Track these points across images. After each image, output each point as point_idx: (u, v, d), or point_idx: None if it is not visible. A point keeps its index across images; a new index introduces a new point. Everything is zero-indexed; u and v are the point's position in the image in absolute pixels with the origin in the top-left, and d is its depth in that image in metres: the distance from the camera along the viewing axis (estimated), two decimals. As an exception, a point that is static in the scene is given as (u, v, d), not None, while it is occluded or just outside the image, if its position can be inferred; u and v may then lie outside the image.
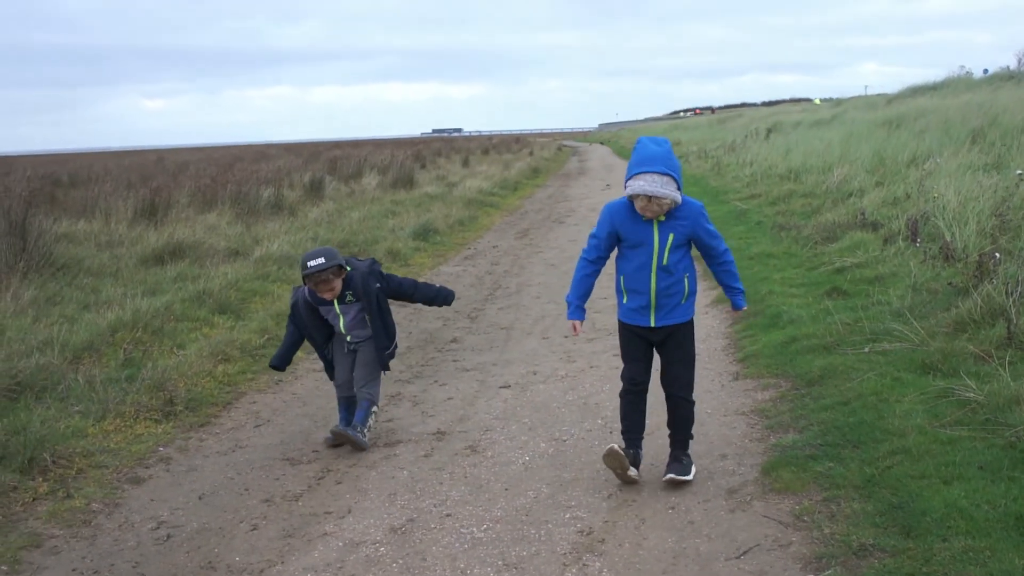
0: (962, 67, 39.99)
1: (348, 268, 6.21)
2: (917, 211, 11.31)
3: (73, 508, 5.32)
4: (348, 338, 6.37)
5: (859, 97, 56.94)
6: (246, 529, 5.06)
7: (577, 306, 5.37)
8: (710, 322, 9.23)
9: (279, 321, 9.34)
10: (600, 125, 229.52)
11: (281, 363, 6.59)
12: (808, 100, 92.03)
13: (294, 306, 6.40)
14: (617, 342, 5.61)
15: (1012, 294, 6.98)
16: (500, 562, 4.54)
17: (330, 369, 6.56)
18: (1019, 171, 11.24)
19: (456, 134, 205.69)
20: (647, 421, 5.52)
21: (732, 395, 6.92)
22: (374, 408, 6.35)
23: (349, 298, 6.21)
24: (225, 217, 16.30)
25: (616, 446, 5.25)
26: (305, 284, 6.18)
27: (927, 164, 14.97)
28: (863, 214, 12.49)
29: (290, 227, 15.52)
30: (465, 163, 37.95)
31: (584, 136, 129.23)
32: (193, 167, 31.52)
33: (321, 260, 5.99)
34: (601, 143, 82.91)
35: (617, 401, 5.60)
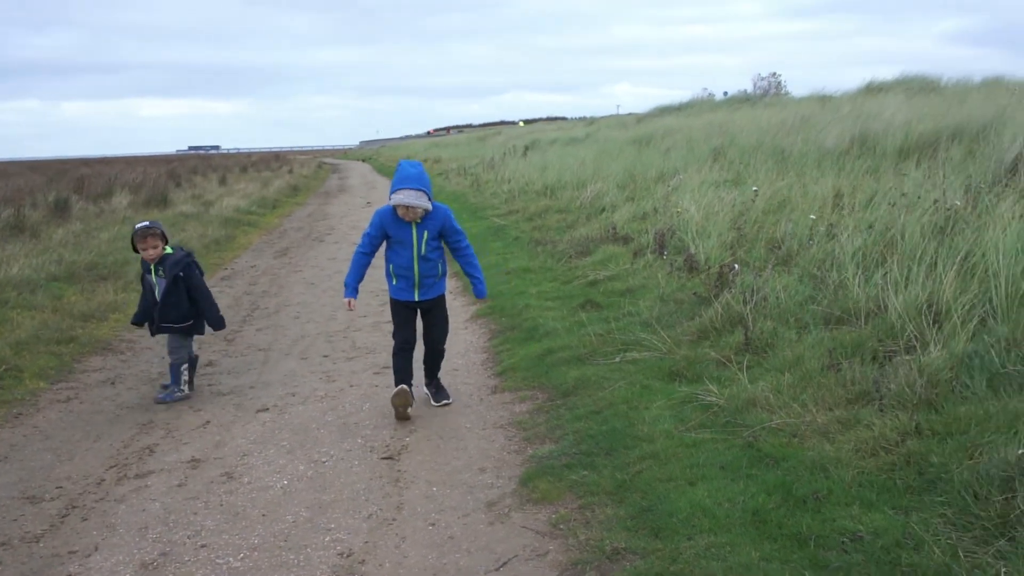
0: (705, 89, 42.23)
1: (169, 248, 7.73)
2: (664, 225, 11.84)
3: None
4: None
5: (611, 116, 59.09)
6: (-22, 575, 4.71)
7: (353, 287, 6.98)
8: (469, 337, 9.34)
9: (18, 351, 8.79)
10: (361, 142, 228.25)
11: (140, 320, 7.95)
12: (563, 119, 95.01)
13: (142, 277, 7.86)
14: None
15: (748, 302, 7.43)
16: (257, 591, 4.42)
17: (155, 331, 7.83)
18: (754, 188, 11.95)
19: (213, 151, 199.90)
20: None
21: (491, 408, 7.03)
22: (183, 367, 7.71)
23: (161, 272, 7.62)
24: (-43, 240, 15.16)
25: (404, 386, 6.78)
26: (135, 247, 7.64)
27: (673, 180, 15.70)
28: (614, 228, 12.97)
29: (32, 249, 14.57)
30: (223, 181, 36.81)
31: (345, 153, 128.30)
32: (-79, 187, 29.25)
33: (147, 223, 7.67)
34: (362, 160, 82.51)
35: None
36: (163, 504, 5.51)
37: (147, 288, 7.77)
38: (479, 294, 7.09)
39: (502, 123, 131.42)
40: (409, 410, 6.86)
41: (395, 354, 6.99)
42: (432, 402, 7.20)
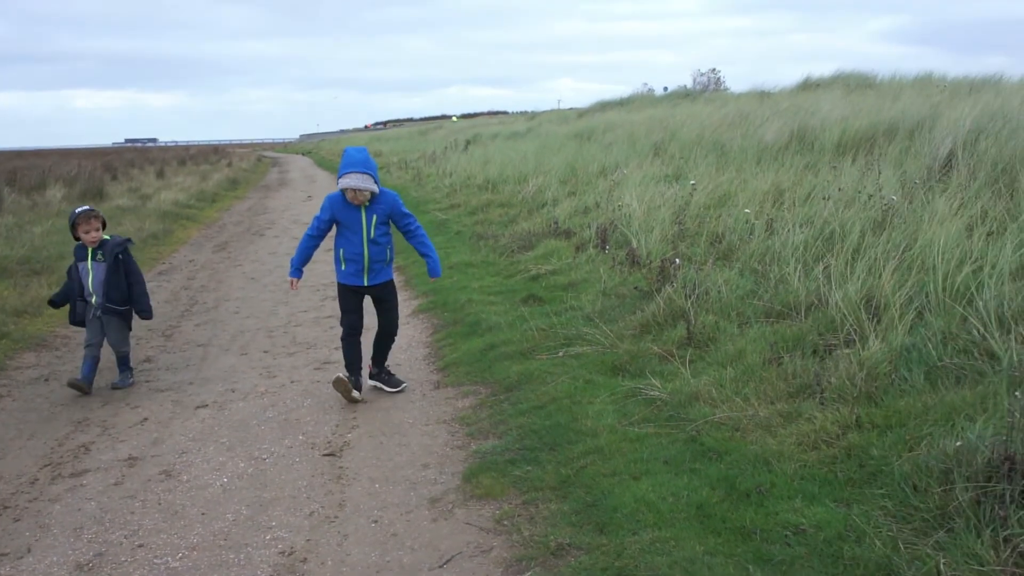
0: (645, 84, 42.38)
1: (106, 235, 7.85)
2: (606, 219, 11.86)
3: None
4: (94, 299, 7.74)
5: (553, 111, 59.13)
6: (-95, 580, 4.57)
7: (298, 268, 7.20)
8: (412, 332, 9.27)
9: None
10: (301, 136, 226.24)
11: (57, 300, 8.11)
12: (504, 113, 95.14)
13: (70, 268, 7.94)
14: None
15: (690, 296, 7.46)
16: (196, 591, 4.34)
17: (76, 319, 7.92)
18: (692, 182, 12.02)
19: (151, 144, 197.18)
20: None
21: (433, 404, 6.98)
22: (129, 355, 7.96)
23: (100, 256, 7.75)
24: None
25: (341, 374, 7.02)
26: (74, 232, 7.75)
27: (615, 175, 15.72)
28: (556, 223, 12.98)
29: (-39, 243, 14.24)
30: (160, 174, 36.23)
31: (285, 147, 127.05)
32: None
33: (88, 207, 7.82)
34: (303, 154, 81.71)
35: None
36: (99, 503, 5.39)
37: (75, 279, 7.86)
38: (433, 273, 7.18)
39: (442, 117, 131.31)
40: (355, 394, 7.07)
41: (343, 339, 7.24)
42: (387, 389, 7.32)
